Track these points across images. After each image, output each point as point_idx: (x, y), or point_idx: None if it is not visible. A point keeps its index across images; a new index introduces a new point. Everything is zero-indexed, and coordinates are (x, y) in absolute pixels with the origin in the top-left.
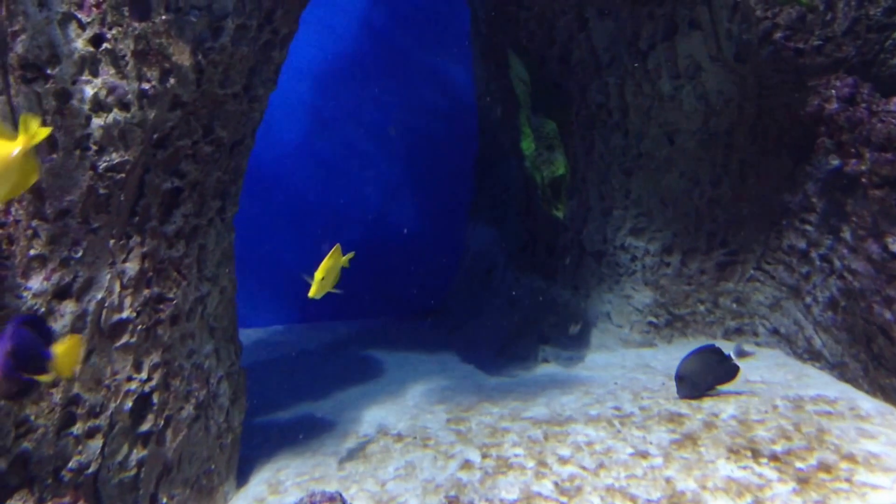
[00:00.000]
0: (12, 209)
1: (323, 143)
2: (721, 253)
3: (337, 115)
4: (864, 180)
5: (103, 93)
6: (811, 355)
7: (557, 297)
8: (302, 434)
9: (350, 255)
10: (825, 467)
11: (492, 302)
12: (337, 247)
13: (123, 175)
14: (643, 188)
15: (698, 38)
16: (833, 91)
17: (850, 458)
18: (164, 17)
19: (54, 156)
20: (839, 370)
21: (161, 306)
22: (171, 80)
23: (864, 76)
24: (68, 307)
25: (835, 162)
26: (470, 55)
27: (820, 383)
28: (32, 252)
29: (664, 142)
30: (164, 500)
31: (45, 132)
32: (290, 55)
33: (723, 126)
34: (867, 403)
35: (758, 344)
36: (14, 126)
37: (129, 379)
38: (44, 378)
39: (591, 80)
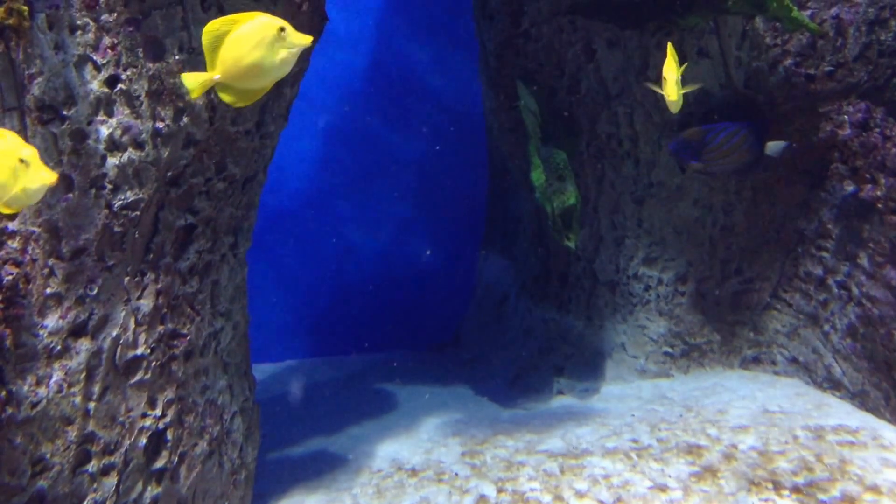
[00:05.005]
0: (29, 248)
1: (333, 176)
2: (736, 281)
3: (346, 147)
4: (880, 206)
5: (118, 132)
6: (831, 384)
7: (571, 328)
8: (316, 469)
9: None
10: (849, 499)
11: (505, 333)
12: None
13: (138, 213)
14: (655, 217)
15: (707, 66)
16: (846, 116)
17: (874, 489)
18: (177, 57)
19: (70, 195)
20: (860, 399)
21: (175, 342)
22: (185, 119)
23: (876, 101)
24: (83, 345)
25: (850, 188)
26: (479, 86)
27: (841, 413)
28: (49, 291)
29: (675, 170)
30: None
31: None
32: (301, 86)
33: None
34: (890, 433)
35: (776, 373)
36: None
37: (144, 416)
38: None
39: (601, 110)
